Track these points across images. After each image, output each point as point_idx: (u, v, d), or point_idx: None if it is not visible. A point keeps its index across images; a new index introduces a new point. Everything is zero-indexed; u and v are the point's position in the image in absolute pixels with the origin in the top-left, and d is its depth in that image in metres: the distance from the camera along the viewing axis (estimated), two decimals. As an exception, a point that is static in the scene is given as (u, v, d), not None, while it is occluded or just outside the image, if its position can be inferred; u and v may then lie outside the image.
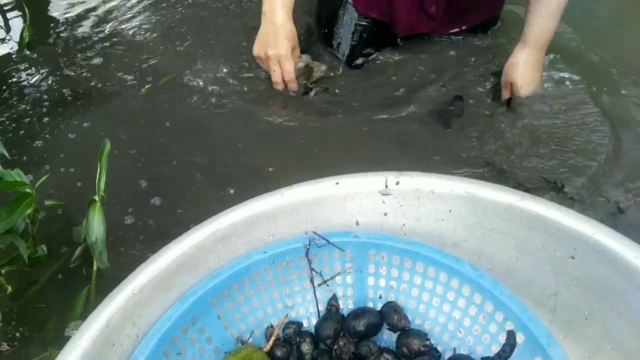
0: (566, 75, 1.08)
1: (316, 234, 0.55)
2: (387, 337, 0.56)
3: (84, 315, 0.46)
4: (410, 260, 0.54)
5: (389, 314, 0.54)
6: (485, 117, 1.04)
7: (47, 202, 0.74)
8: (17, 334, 0.68)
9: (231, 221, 0.55)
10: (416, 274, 0.54)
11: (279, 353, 0.53)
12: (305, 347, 0.54)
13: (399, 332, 0.55)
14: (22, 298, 0.73)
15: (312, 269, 0.56)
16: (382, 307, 0.55)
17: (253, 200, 0.56)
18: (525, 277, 0.53)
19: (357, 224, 0.59)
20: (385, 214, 0.58)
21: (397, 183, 0.56)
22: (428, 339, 0.53)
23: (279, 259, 0.55)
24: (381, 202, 0.58)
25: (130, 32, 1.31)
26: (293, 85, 1.10)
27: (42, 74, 1.18)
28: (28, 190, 0.65)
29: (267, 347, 0.52)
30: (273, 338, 0.53)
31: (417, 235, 0.58)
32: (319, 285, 0.57)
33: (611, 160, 0.92)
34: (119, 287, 0.48)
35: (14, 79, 1.16)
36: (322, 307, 0.58)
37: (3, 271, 0.70)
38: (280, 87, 1.10)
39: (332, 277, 0.57)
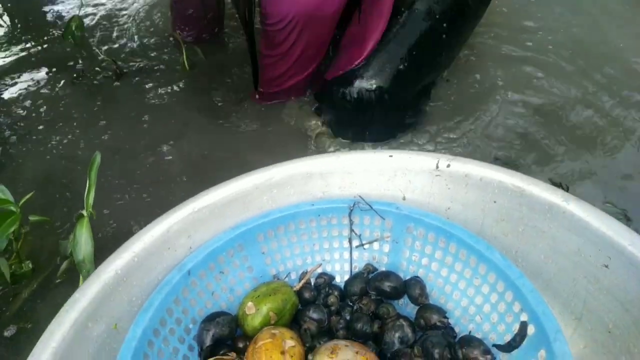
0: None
1: (361, 198, 0.60)
2: (410, 310, 0.59)
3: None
4: (445, 239, 0.56)
5: (412, 287, 0.57)
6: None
7: (32, 218, 0.68)
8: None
9: (289, 172, 0.61)
10: (448, 254, 0.56)
11: (306, 295, 0.58)
12: (332, 299, 0.59)
13: (420, 305, 0.57)
14: (6, 316, 0.68)
15: (352, 230, 0.61)
16: (407, 279, 0.58)
17: (311, 158, 0.62)
18: (557, 280, 0.53)
19: (404, 199, 0.62)
20: (432, 195, 0.61)
21: (448, 166, 0.59)
22: (446, 317, 0.55)
23: (325, 214, 0.60)
24: (430, 182, 0.60)
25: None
26: None
27: (27, 89, 1.19)
28: (12, 208, 0.62)
29: (297, 286, 0.58)
30: (304, 280, 0.58)
31: (460, 221, 0.59)
32: (357, 246, 0.61)
33: (620, 166, 0.88)
34: (183, 203, 0.56)
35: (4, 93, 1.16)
36: (355, 269, 0.62)
37: None
38: None
39: (370, 242, 0.61)
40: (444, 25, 0.96)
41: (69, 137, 1.02)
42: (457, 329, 0.55)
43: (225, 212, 0.58)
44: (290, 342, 0.49)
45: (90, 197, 0.63)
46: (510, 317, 0.50)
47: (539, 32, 1.24)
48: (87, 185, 0.63)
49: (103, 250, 0.60)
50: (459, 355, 0.50)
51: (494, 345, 0.51)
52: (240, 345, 0.54)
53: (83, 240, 0.61)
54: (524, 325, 0.48)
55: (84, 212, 0.62)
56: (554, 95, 1.06)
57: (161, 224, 0.54)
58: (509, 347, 0.49)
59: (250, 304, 0.54)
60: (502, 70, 1.13)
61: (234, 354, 0.51)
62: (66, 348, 0.44)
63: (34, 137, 1.02)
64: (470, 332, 0.54)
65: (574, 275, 0.51)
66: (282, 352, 0.48)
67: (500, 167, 0.56)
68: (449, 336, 0.54)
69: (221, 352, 0.52)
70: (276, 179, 0.60)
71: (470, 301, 0.55)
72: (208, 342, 0.52)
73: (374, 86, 0.89)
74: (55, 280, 0.71)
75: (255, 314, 0.53)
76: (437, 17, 0.94)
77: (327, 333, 0.56)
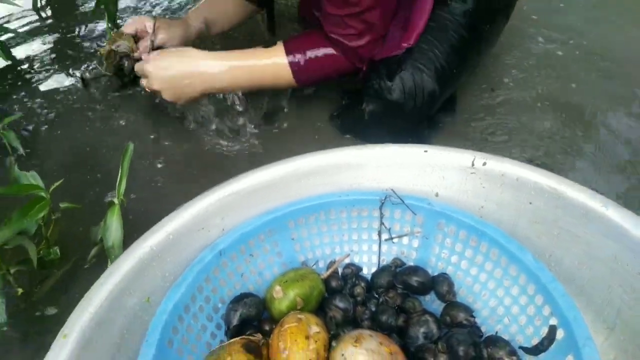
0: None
1: (393, 192, 0.60)
2: (436, 307, 0.58)
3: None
4: (477, 238, 0.56)
5: (440, 284, 0.57)
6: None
7: (62, 205, 0.68)
8: (26, 336, 0.66)
9: (322, 161, 0.62)
10: (479, 254, 0.56)
11: (333, 284, 0.59)
12: (358, 290, 0.59)
13: (447, 303, 0.57)
14: (33, 299, 0.69)
15: (382, 223, 0.61)
16: (435, 275, 0.58)
17: (346, 149, 0.62)
18: (590, 287, 0.52)
19: (437, 195, 0.62)
20: (466, 193, 0.60)
21: (484, 164, 0.58)
22: (473, 316, 0.55)
23: (356, 205, 0.61)
24: (464, 180, 0.60)
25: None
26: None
27: (61, 75, 1.17)
28: (42, 194, 0.62)
29: (325, 275, 0.58)
30: (332, 269, 0.59)
31: (493, 221, 0.58)
32: (386, 240, 0.62)
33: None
34: (216, 187, 0.57)
35: (34, 81, 1.15)
36: (383, 262, 0.62)
37: (12, 270, 0.65)
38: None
39: (400, 236, 0.61)
40: (483, 21, 0.94)
41: (97, 122, 1.03)
42: (483, 329, 0.55)
43: (258, 197, 0.59)
44: (316, 327, 0.50)
45: (122, 186, 0.64)
46: (539, 320, 0.49)
47: (570, 40, 1.21)
48: (120, 174, 0.65)
49: (126, 237, 0.62)
50: (484, 354, 0.50)
51: (521, 348, 0.50)
52: (267, 328, 0.55)
53: (113, 227, 0.63)
54: (553, 329, 0.47)
55: (115, 200, 0.64)
56: (587, 101, 1.02)
57: (196, 205, 0.56)
58: (536, 350, 0.49)
59: (278, 287, 0.55)
60: (535, 78, 1.10)
61: (259, 335, 0.52)
62: (102, 315, 0.47)
63: (61, 123, 1.04)
64: (496, 332, 0.53)
65: (609, 282, 0.50)
66: (307, 337, 0.49)
67: (538, 168, 0.55)
68: (475, 335, 0.53)
69: (247, 333, 0.53)
70: (309, 168, 0.61)
71: (499, 302, 0.54)
72: (235, 321, 0.53)
73: (424, 70, 0.86)
74: (84, 266, 0.72)
75: (282, 298, 0.54)
76: (480, 12, 0.91)
77: (351, 322, 0.57)
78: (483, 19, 0.94)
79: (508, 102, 1.03)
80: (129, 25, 0.96)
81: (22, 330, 0.66)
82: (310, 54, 0.87)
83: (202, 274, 0.53)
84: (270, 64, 0.87)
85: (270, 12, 0.98)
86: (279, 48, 0.87)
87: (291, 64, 0.87)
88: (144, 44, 0.94)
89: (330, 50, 0.87)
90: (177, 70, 0.85)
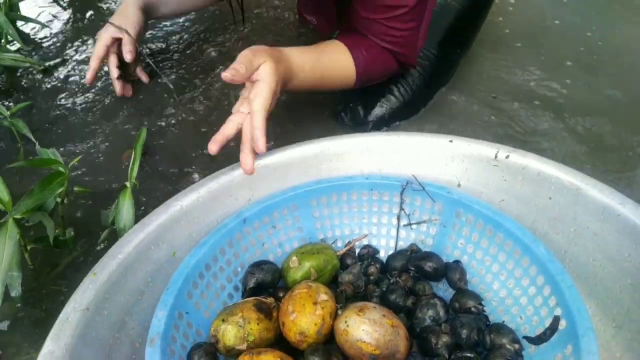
0: None
1: (415, 178, 0.61)
2: (448, 295, 0.59)
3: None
4: (492, 228, 0.56)
5: (453, 271, 0.58)
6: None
7: (76, 189, 0.71)
8: (34, 314, 0.67)
9: (349, 145, 0.64)
10: (494, 244, 0.57)
11: (348, 261, 0.61)
12: (372, 270, 0.61)
13: (457, 289, 0.58)
14: (44, 278, 0.70)
15: (402, 209, 0.63)
16: (449, 263, 0.59)
17: (373, 134, 0.65)
18: (602, 285, 0.52)
19: (459, 185, 0.63)
20: (487, 185, 0.61)
21: (507, 157, 0.59)
22: (482, 304, 0.55)
23: (377, 189, 0.63)
24: (486, 172, 0.60)
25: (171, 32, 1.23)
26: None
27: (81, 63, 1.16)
28: (60, 169, 0.64)
29: (341, 252, 0.61)
30: (348, 247, 0.61)
31: (512, 215, 0.59)
32: (404, 225, 0.63)
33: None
34: (248, 159, 0.61)
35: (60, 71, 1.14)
36: (399, 247, 0.64)
37: (28, 247, 0.67)
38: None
39: (418, 223, 0.63)
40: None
41: (112, 107, 1.02)
42: (491, 318, 0.55)
43: (286, 174, 0.63)
44: (324, 296, 0.53)
45: (135, 170, 0.67)
46: (545, 311, 0.50)
47: (555, 42, 1.16)
48: (132, 158, 0.67)
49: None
50: (486, 340, 0.51)
51: (524, 337, 0.51)
52: (281, 294, 0.58)
53: (125, 210, 0.66)
54: (556, 320, 0.47)
55: (127, 183, 0.67)
56: (579, 102, 0.99)
57: (227, 174, 0.60)
58: (538, 340, 0.49)
59: (294, 258, 0.58)
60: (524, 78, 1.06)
61: (272, 299, 0.55)
62: (131, 261, 0.51)
63: (76, 109, 1.03)
64: (503, 322, 0.54)
65: (621, 281, 0.50)
66: (315, 303, 0.51)
67: (559, 164, 0.55)
68: (481, 322, 0.54)
69: (262, 296, 0.56)
70: (336, 150, 0.64)
71: (508, 292, 0.55)
72: (251, 284, 0.56)
73: (392, 108, 0.92)
74: (95, 249, 0.74)
75: (297, 268, 0.57)
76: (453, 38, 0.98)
77: (361, 299, 0.59)
78: (455, 44, 1.00)
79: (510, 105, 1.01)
80: (100, 49, 0.91)
81: (33, 307, 0.68)
82: (366, 53, 0.84)
83: (224, 237, 0.57)
84: (343, 60, 0.82)
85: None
86: (340, 44, 0.83)
87: (355, 60, 0.83)
88: (128, 47, 0.90)
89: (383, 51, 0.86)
90: (283, 72, 0.70)
